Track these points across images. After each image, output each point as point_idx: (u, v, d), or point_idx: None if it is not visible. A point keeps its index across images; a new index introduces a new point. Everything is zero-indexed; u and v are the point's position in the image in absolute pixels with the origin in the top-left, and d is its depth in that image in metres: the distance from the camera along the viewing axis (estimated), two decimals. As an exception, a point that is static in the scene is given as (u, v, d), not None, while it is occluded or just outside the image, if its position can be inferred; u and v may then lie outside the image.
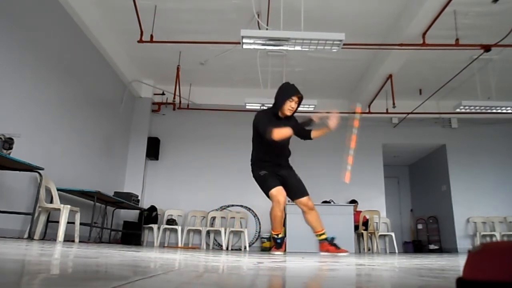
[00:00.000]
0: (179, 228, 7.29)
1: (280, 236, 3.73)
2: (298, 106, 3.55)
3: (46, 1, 4.95)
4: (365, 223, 7.46)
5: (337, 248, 3.59)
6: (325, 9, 5.62)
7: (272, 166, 3.60)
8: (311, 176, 8.51)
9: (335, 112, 3.42)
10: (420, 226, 9.54)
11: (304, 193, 3.63)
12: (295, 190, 3.63)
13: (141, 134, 8.04)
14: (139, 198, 7.37)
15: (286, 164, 3.70)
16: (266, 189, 3.54)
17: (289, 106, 3.47)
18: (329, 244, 3.61)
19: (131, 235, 7.04)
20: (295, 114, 3.69)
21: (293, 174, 3.69)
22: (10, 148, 3.79)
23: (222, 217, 7.69)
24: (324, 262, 2.05)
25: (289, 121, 3.56)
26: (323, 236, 3.63)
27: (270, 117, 3.53)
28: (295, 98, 3.48)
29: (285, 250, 3.65)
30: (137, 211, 7.30)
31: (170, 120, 8.40)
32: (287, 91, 3.51)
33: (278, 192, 3.48)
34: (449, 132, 8.80)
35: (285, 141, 3.57)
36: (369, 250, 7.42)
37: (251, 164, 3.69)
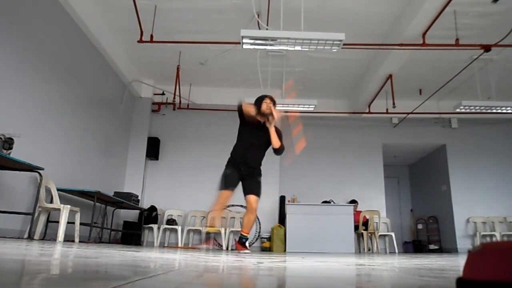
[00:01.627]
0: (179, 228, 7.29)
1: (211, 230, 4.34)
2: (274, 105, 4.04)
3: (46, 1, 4.96)
4: (365, 223, 7.46)
5: (243, 246, 4.10)
6: (325, 9, 5.62)
7: (239, 163, 4.04)
8: (311, 176, 8.59)
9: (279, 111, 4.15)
10: (420, 226, 9.54)
11: (254, 192, 4.05)
12: (250, 188, 4.07)
13: (141, 134, 8.04)
14: (139, 198, 7.37)
15: (255, 165, 4.10)
16: (219, 186, 4.06)
17: (265, 106, 3.95)
18: (239, 244, 4.14)
19: (131, 235, 7.03)
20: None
21: (256, 176, 4.11)
22: (10, 148, 3.79)
23: (222, 217, 7.68)
24: (324, 262, 2.05)
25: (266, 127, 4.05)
26: (243, 237, 4.14)
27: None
28: (267, 100, 4.01)
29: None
30: (137, 211, 7.30)
31: (170, 120, 8.39)
32: (260, 97, 4.09)
33: (222, 195, 3.99)
34: (449, 132, 8.80)
35: (260, 143, 4.03)
36: (369, 250, 7.42)
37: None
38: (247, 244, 4.20)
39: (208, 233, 4.23)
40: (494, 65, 6.83)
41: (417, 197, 10.59)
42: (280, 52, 6.68)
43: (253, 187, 4.05)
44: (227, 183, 4.01)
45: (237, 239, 4.31)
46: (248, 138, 4.05)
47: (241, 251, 4.05)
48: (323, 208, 7.22)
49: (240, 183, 4.13)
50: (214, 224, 4.24)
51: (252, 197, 4.03)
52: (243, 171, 4.05)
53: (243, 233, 4.14)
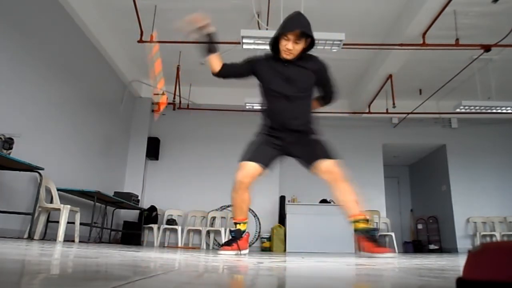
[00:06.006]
0: (179, 228, 7.30)
1: (238, 228, 2.61)
2: (306, 47, 2.50)
3: (46, 1, 4.96)
4: (365, 223, 7.45)
5: (376, 246, 2.44)
6: (325, 9, 5.62)
7: (278, 130, 2.60)
8: (311, 176, 8.55)
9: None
10: (420, 226, 9.54)
11: (324, 155, 2.54)
12: (311, 153, 2.56)
13: (141, 134, 8.04)
14: (139, 198, 7.37)
15: (305, 124, 2.60)
16: (240, 159, 2.60)
17: (284, 47, 2.47)
18: (366, 239, 2.47)
19: (131, 235, 7.04)
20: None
21: (315, 138, 2.62)
22: (10, 148, 3.79)
23: (222, 217, 7.69)
24: (324, 262, 2.05)
25: (301, 65, 2.53)
26: (360, 225, 2.48)
27: (269, 61, 2.61)
28: (290, 37, 2.41)
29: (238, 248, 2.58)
30: (137, 211, 7.30)
31: (170, 120, 8.39)
32: (283, 25, 2.47)
33: (244, 167, 2.52)
34: (449, 132, 8.80)
35: (296, 94, 2.54)
36: (369, 250, 7.41)
37: None
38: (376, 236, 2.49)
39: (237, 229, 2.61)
40: (494, 65, 6.83)
41: (417, 197, 10.59)
42: (280, 52, 6.68)
43: (318, 151, 2.56)
44: (252, 154, 2.55)
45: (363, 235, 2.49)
46: (277, 92, 2.54)
47: (377, 254, 2.39)
48: (323, 208, 7.22)
49: (289, 157, 2.71)
50: (235, 214, 2.63)
51: (325, 163, 2.51)
52: (285, 139, 2.58)
53: (356, 219, 2.50)
